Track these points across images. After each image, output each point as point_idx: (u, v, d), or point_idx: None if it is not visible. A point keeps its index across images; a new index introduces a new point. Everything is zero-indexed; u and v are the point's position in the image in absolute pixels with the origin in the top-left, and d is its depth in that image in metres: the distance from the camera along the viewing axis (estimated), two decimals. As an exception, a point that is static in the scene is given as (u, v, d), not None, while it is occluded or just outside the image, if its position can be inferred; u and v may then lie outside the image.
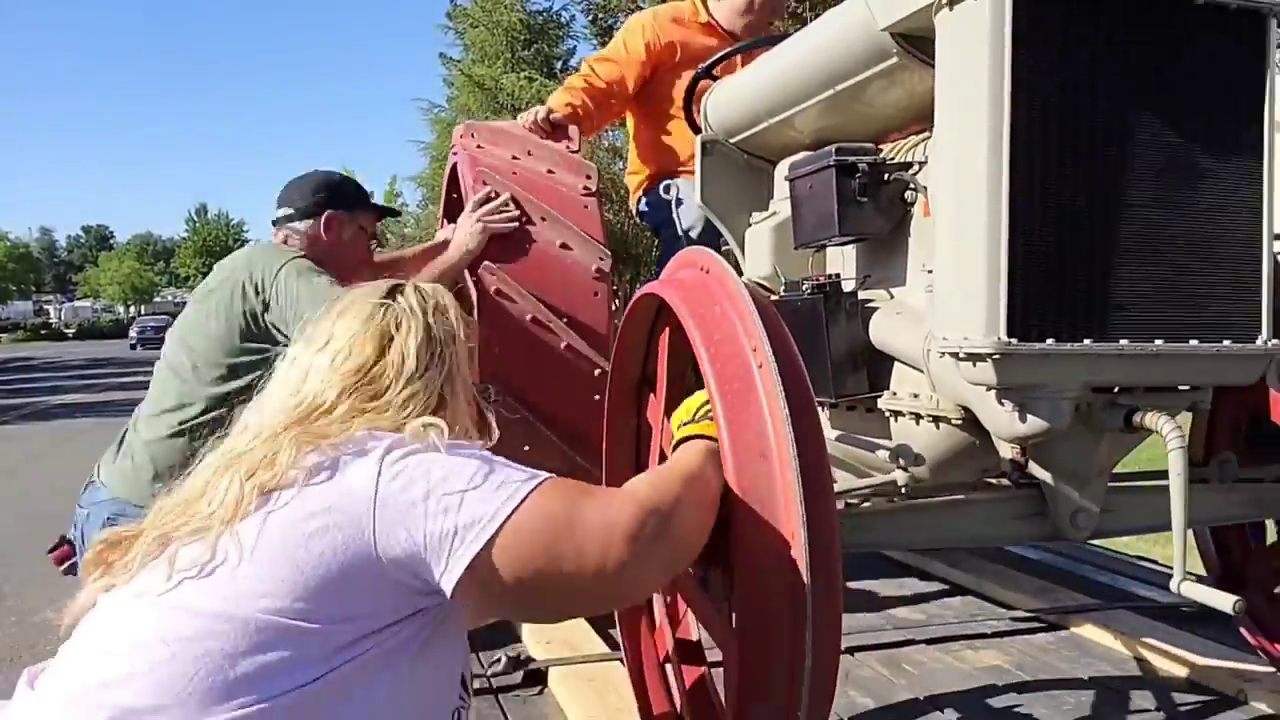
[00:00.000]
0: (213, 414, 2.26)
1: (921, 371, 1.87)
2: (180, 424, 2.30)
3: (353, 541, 1.07)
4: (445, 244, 2.86)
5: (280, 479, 1.11)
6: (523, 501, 1.10)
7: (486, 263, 2.70)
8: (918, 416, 1.96)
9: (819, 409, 1.47)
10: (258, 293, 2.32)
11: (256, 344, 2.30)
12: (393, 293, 1.35)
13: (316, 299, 2.26)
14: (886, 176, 2.02)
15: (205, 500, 1.14)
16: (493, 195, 2.80)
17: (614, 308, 2.86)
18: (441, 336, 1.32)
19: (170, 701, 0.99)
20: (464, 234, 2.75)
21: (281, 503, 1.10)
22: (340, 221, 2.55)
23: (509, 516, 1.08)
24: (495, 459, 1.16)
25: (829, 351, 1.99)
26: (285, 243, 2.53)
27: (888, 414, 2.06)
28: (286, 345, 2.34)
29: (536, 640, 2.62)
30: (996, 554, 3.63)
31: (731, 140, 2.74)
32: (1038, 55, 1.56)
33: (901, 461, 1.83)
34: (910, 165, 2.07)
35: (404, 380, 1.25)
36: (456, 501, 1.08)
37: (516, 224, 2.77)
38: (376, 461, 1.11)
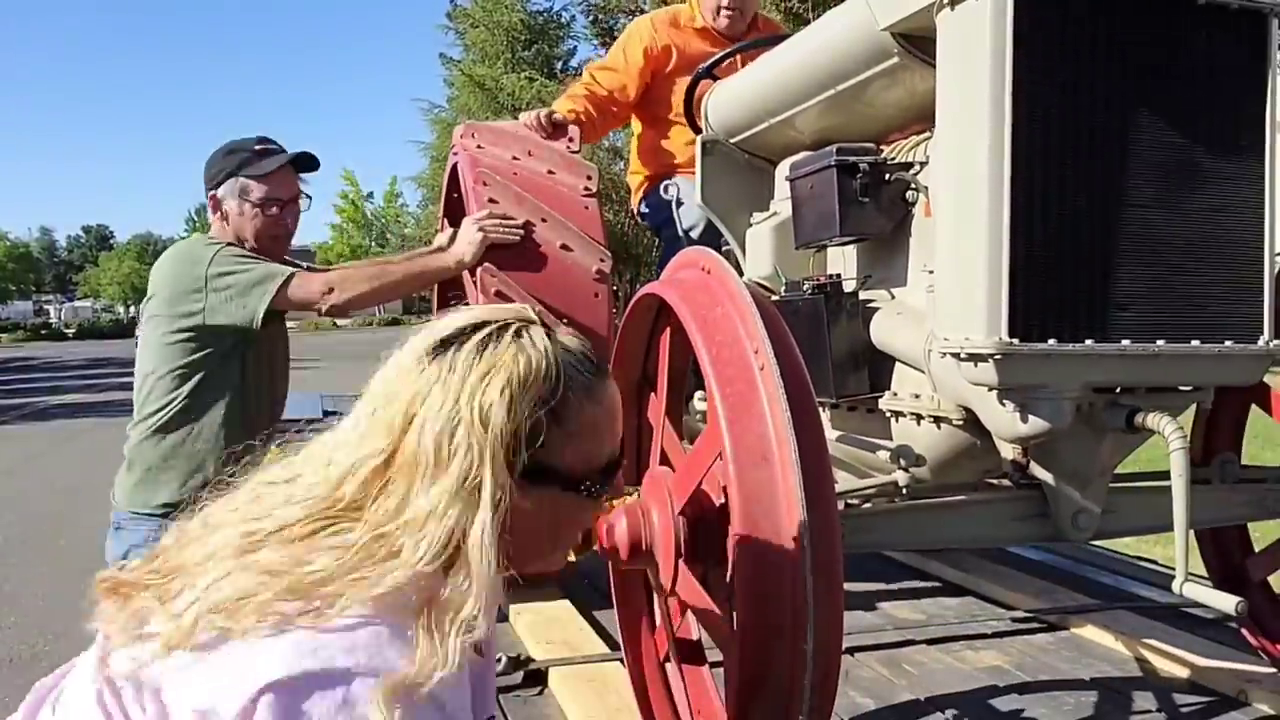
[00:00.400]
0: (176, 413, 2.29)
1: (922, 372, 1.87)
2: (151, 428, 2.31)
3: None
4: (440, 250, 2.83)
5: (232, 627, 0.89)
6: None
7: (486, 264, 2.69)
8: (919, 417, 1.96)
9: (820, 410, 1.47)
10: (193, 296, 2.30)
11: (204, 344, 2.31)
12: (470, 330, 0.99)
13: (249, 281, 2.29)
14: (887, 176, 2.02)
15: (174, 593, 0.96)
16: (503, 215, 2.76)
17: (614, 309, 2.86)
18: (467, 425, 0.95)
19: None
20: (463, 243, 2.71)
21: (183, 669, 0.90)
22: (219, 199, 2.41)
23: None
24: None
25: (830, 352, 1.99)
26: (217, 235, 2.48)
27: (889, 414, 2.06)
28: (235, 338, 2.25)
29: (536, 640, 2.62)
30: (997, 554, 3.63)
31: (732, 140, 2.73)
32: (1039, 55, 1.56)
33: (902, 462, 1.82)
34: (911, 165, 2.07)
35: (416, 479, 0.94)
36: None
37: (518, 239, 2.74)
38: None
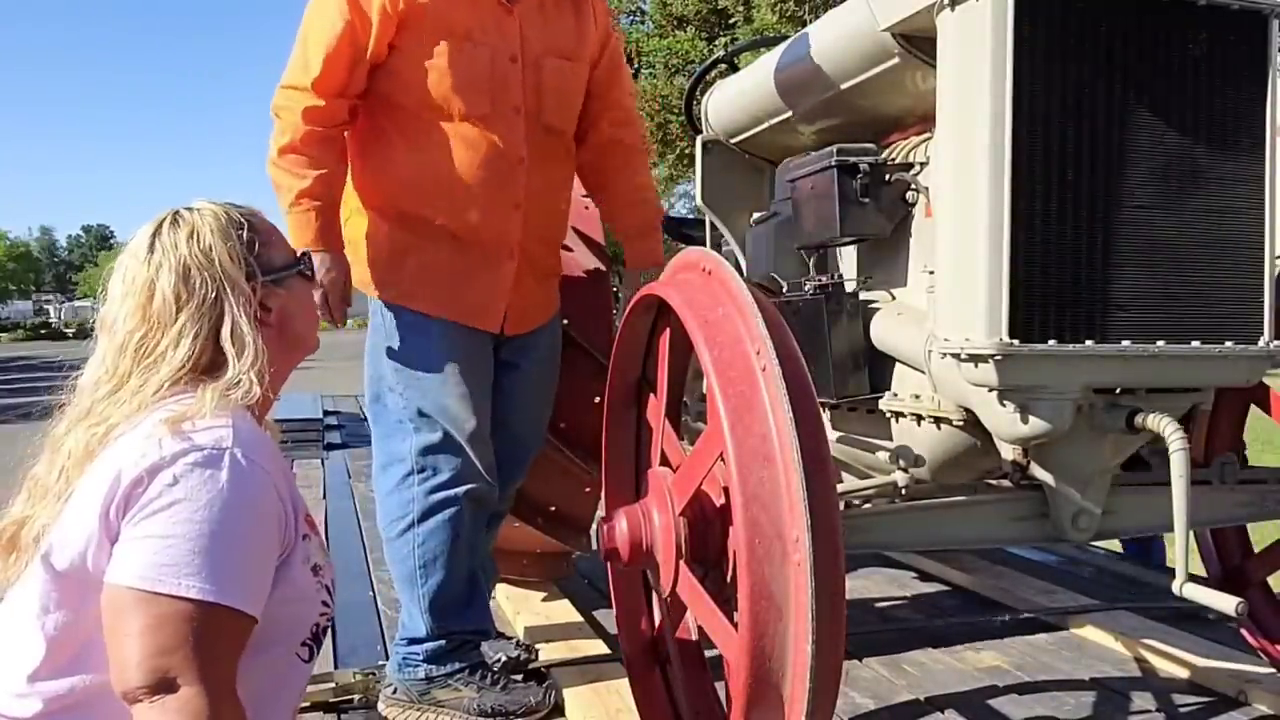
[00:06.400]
0: None
1: (923, 372, 1.87)
2: None
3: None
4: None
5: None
6: (141, 589, 1.14)
7: None
8: (919, 417, 1.96)
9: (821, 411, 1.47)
10: None
11: None
12: (158, 228, 1.37)
13: None
14: (888, 177, 2.02)
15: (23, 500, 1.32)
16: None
17: (614, 309, 2.85)
18: (199, 271, 1.32)
19: None
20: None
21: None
22: None
23: (124, 584, 1.15)
24: (228, 527, 1.18)
25: (830, 352, 1.99)
26: None
27: (889, 415, 2.06)
28: None
29: (536, 641, 2.62)
30: (997, 554, 3.63)
31: (732, 140, 2.74)
32: (1039, 56, 1.56)
33: (902, 463, 1.82)
34: (912, 166, 2.07)
35: (165, 325, 1.31)
36: (145, 533, 1.16)
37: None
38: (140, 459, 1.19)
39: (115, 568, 1.16)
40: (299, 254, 1.50)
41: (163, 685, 1.12)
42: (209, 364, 1.31)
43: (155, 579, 1.13)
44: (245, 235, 1.38)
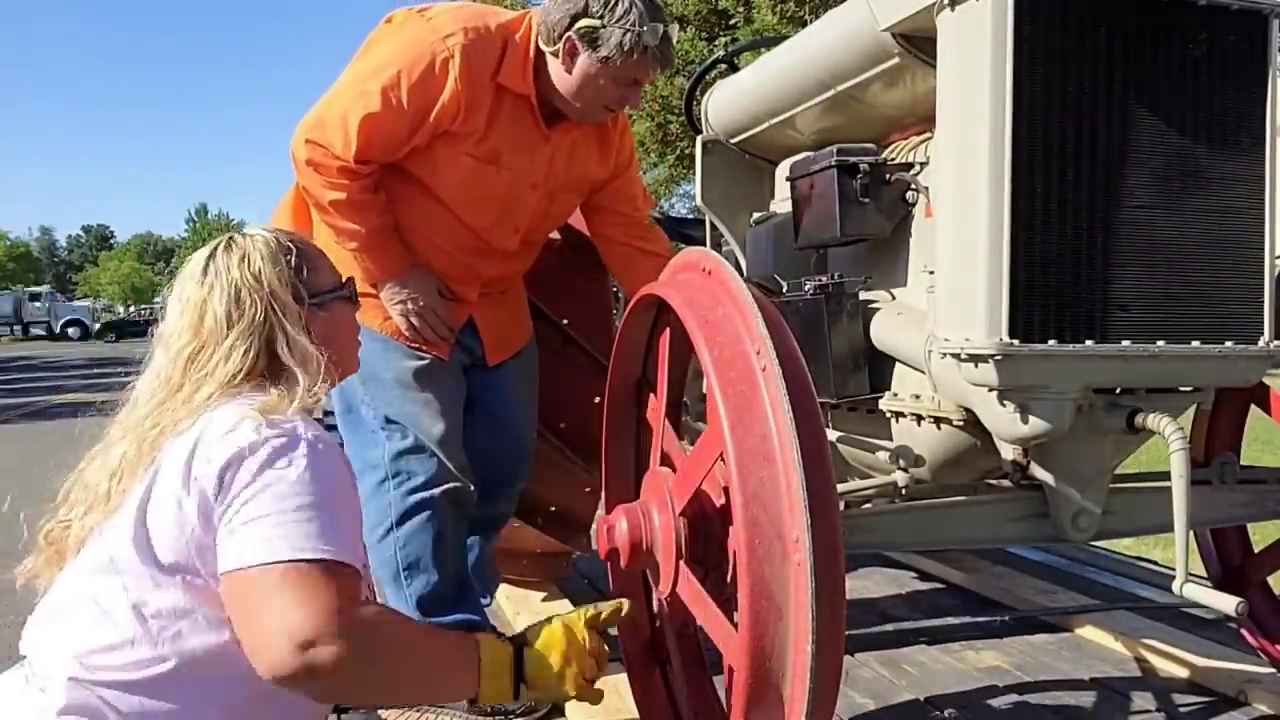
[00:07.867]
0: None
1: (923, 372, 1.87)
2: None
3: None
4: None
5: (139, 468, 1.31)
6: (266, 564, 1.19)
7: None
8: (919, 417, 1.96)
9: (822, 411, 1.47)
10: None
11: None
12: (213, 251, 1.45)
13: None
14: (888, 177, 2.02)
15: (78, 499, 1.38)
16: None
17: (614, 309, 2.85)
18: (250, 293, 1.40)
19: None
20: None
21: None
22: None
23: (249, 566, 1.20)
24: (326, 497, 1.25)
25: (830, 352, 1.99)
26: None
27: (889, 415, 2.06)
28: None
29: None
30: (997, 554, 3.63)
31: (732, 140, 2.74)
32: (1039, 56, 1.56)
33: (902, 462, 1.82)
34: (912, 166, 2.07)
35: (217, 341, 1.38)
36: (253, 515, 1.22)
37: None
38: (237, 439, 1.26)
39: (234, 553, 1.21)
40: (343, 279, 1.56)
41: (312, 653, 1.16)
42: (264, 373, 1.38)
43: (279, 551, 1.19)
44: (294, 260, 1.45)
